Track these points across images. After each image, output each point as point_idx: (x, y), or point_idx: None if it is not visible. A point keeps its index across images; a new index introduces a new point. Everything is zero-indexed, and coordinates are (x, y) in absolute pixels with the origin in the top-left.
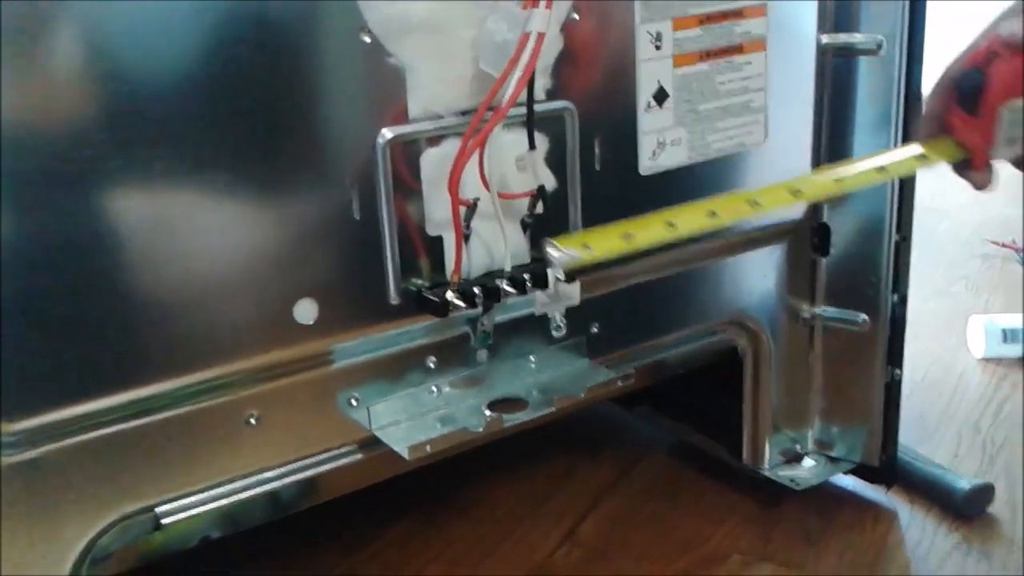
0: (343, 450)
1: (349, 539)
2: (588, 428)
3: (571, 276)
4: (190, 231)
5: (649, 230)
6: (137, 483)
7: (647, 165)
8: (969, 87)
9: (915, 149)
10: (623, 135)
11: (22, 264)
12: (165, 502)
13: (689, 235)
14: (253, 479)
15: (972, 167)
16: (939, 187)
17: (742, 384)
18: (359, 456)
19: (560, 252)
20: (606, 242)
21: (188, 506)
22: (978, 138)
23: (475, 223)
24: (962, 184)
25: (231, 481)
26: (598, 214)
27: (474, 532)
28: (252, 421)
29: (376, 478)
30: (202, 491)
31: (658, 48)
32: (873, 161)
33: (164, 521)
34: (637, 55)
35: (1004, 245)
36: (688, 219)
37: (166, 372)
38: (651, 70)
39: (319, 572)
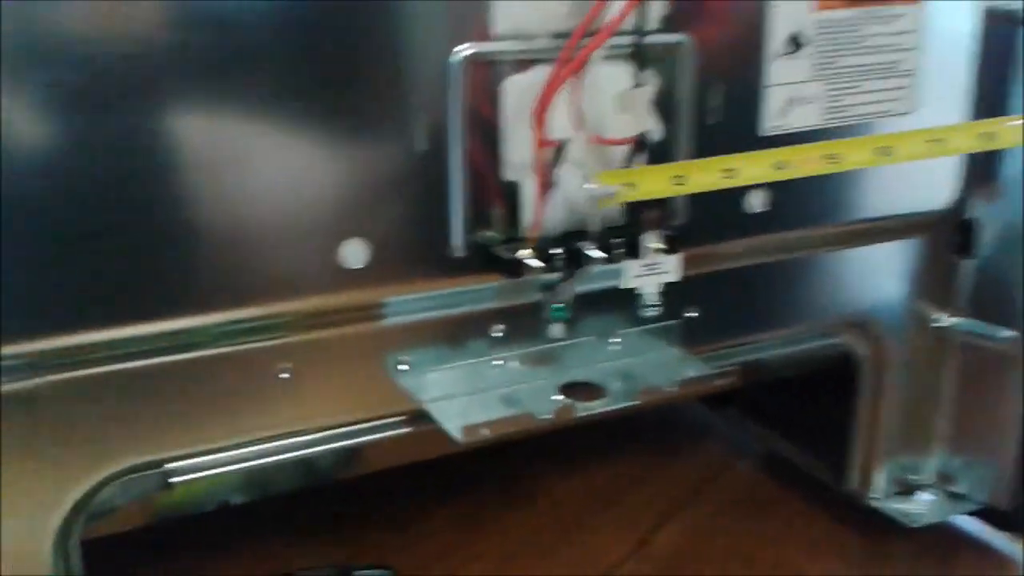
0: (387, 421)
1: (384, 519)
2: (669, 428)
3: (673, 247)
4: (233, 149)
5: (704, 174)
6: (146, 433)
7: (771, 125)
8: None
9: None
10: (746, 85)
11: (63, 166)
12: (176, 459)
13: (746, 182)
14: (280, 443)
15: None
16: None
17: (855, 396)
18: (405, 430)
19: (597, 186)
20: (654, 182)
21: (201, 466)
22: None
23: (562, 170)
24: None
25: (254, 443)
26: None
27: (531, 528)
28: (284, 376)
29: (423, 456)
30: (219, 450)
31: None
32: (981, 126)
33: (172, 480)
34: None
35: None
36: (751, 167)
37: (186, 306)
38: (788, 10)
39: (347, 554)
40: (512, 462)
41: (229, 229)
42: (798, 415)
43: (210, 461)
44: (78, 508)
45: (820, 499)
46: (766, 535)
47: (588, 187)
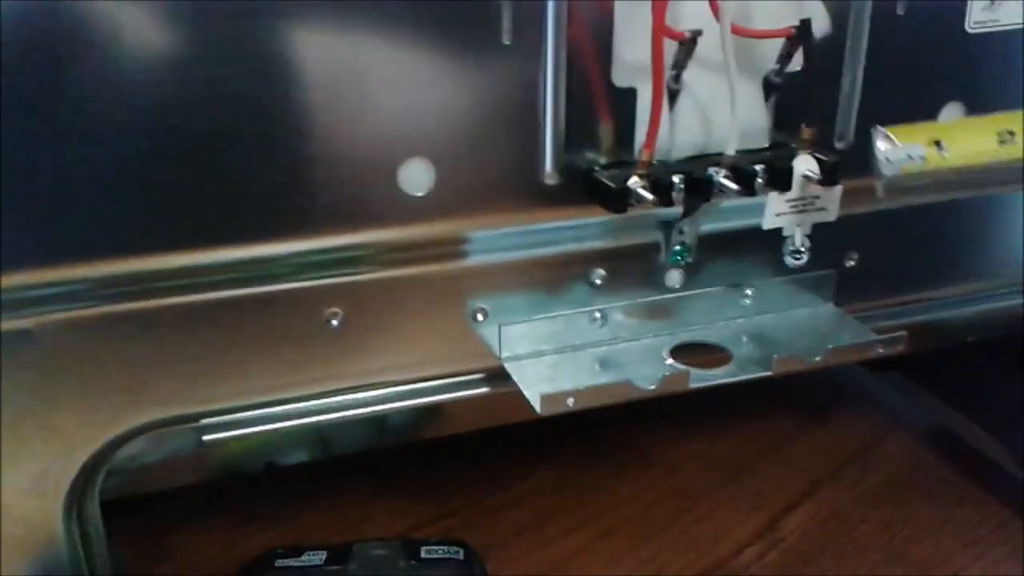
0: (463, 379)
1: (470, 479)
2: (816, 388)
3: (831, 177)
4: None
5: None
6: (176, 383)
7: (979, 18)
8: None
9: None
10: None
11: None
12: (211, 414)
13: None
14: (327, 401)
15: None
16: None
17: None
18: (484, 390)
19: (892, 147)
20: (972, 141)
21: (239, 423)
22: None
23: (690, 74)
24: None
25: (296, 400)
26: (889, 87)
27: (641, 499)
28: (333, 323)
29: (505, 420)
30: (258, 406)
31: None
32: None
33: (206, 438)
34: None
35: None
36: None
37: (227, 235)
38: None
39: (425, 519)
40: (625, 420)
41: (277, 145)
42: (975, 384)
43: (248, 418)
44: (95, 463)
45: (994, 485)
46: (922, 525)
47: (880, 147)
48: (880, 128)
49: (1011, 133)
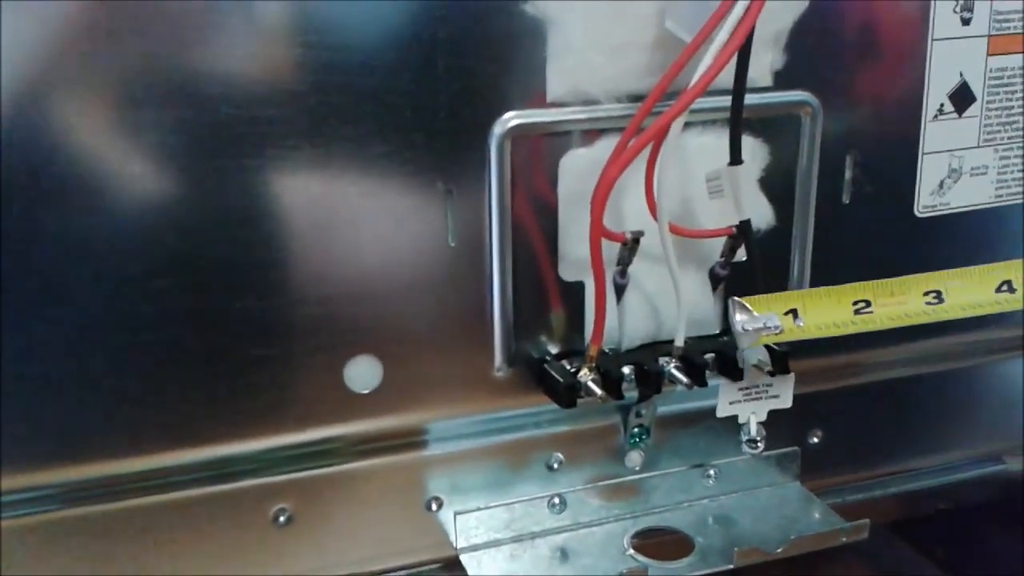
0: (418, 570)
1: None
2: None
3: (783, 366)
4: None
5: (897, 300)
6: None
7: (928, 202)
8: None
9: None
10: (893, 153)
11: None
12: None
13: (963, 314)
14: None
15: None
16: None
17: None
18: None
19: (749, 317)
20: (827, 311)
21: None
22: None
23: (638, 268)
24: None
25: None
26: (839, 273)
27: None
28: (281, 519)
29: None
30: None
31: (966, 22)
32: None
33: None
34: (930, 30)
35: None
36: (963, 290)
37: (155, 444)
38: (950, 55)
39: None
40: None
41: (221, 349)
42: (963, 543)
43: None
44: None
45: None
46: None
47: (736, 318)
48: (736, 299)
49: (866, 303)
